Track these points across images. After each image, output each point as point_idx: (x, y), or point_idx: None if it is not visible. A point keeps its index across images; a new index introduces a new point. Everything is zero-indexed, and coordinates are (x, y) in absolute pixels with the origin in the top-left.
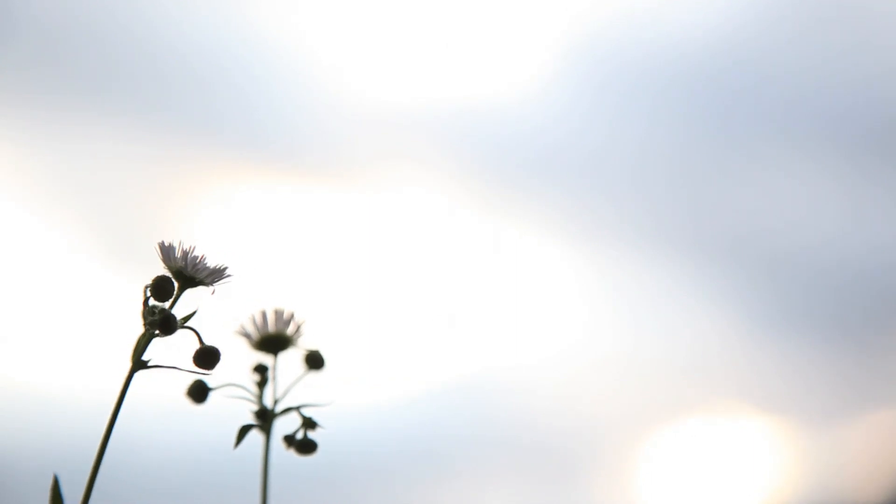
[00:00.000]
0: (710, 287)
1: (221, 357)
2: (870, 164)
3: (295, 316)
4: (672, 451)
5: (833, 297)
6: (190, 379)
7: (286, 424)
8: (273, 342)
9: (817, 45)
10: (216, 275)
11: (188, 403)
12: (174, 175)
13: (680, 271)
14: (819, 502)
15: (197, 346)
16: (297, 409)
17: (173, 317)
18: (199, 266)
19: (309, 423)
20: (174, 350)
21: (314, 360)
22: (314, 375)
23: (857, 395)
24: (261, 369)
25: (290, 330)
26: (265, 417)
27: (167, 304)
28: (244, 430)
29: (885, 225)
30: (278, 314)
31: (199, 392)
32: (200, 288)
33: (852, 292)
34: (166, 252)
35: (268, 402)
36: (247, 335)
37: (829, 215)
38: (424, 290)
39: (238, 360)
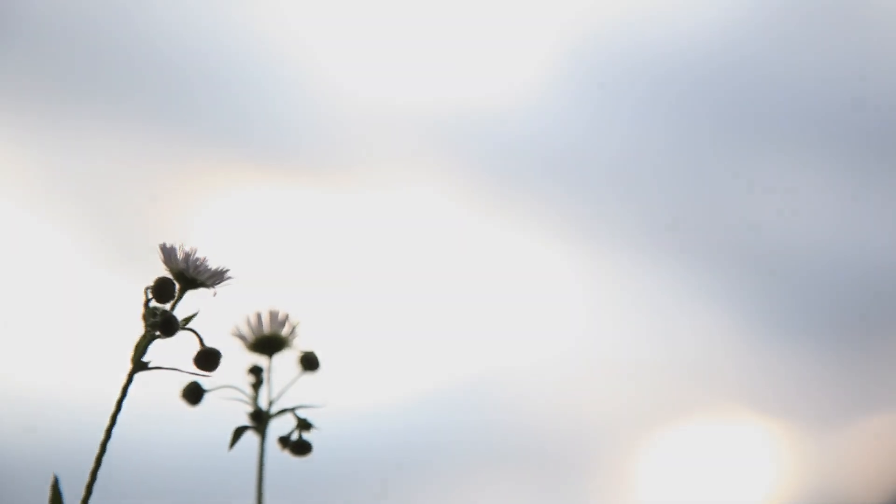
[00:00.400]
0: (709, 290)
1: (222, 359)
2: (871, 166)
3: (290, 317)
4: (672, 455)
5: (833, 300)
6: (187, 380)
7: (281, 426)
8: (268, 343)
9: (816, 45)
10: (217, 277)
11: (183, 405)
12: (175, 175)
13: (680, 273)
14: None
15: (198, 347)
16: (292, 410)
17: (174, 318)
18: (201, 268)
19: (304, 425)
20: (175, 351)
21: (309, 362)
22: (309, 377)
23: (857, 398)
24: (256, 371)
25: (285, 331)
26: (260, 419)
27: (168, 306)
28: (239, 432)
29: (887, 228)
30: (273, 315)
31: (194, 393)
32: (202, 290)
33: (853, 295)
34: (168, 254)
35: (263, 404)
36: (242, 336)
37: (831, 218)
38: (422, 291)
39: (233, 361)
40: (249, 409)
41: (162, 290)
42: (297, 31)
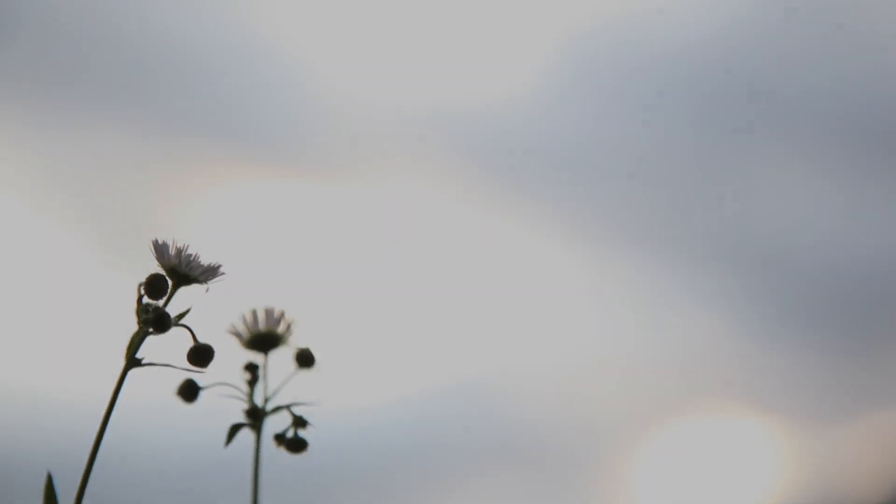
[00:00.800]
0: (708, 287)
1: (215, 355)
2: (869, 162)
3: (285, 314)
4: (670, 452)
5: (831, 296)
6: (182, 377)
7: (277, 423)
8: (264, 340)
9: (817, 44)
10: (210, 273)
11: (179, 402)
12: (169, 173)
13: (678, 271)
14: (818, 502)
15: (191, 343)
16: (288, 407)
17: (167, 315)
18: (193, 264)
19: (299, 422)
20: (168, 348)
21: (305, 359)
22: (305, 374)
23: (855, 395)
24: (251, 368)
25: (280, 328)
26: (256, 416)
27: (161, 302)
28: (235, 429)
29: (884, 224)
30: (269, 312)
31: (189, 391)
32: (194, 286)
33: (851, 292)
34: (160, 250)
35: (258, 401)
36: (237, 334)
37: (828, 214)
38: (419, 289)
39: (229, 358)
40: (245, 406)
41: (155, 286)
42: (294, 29)
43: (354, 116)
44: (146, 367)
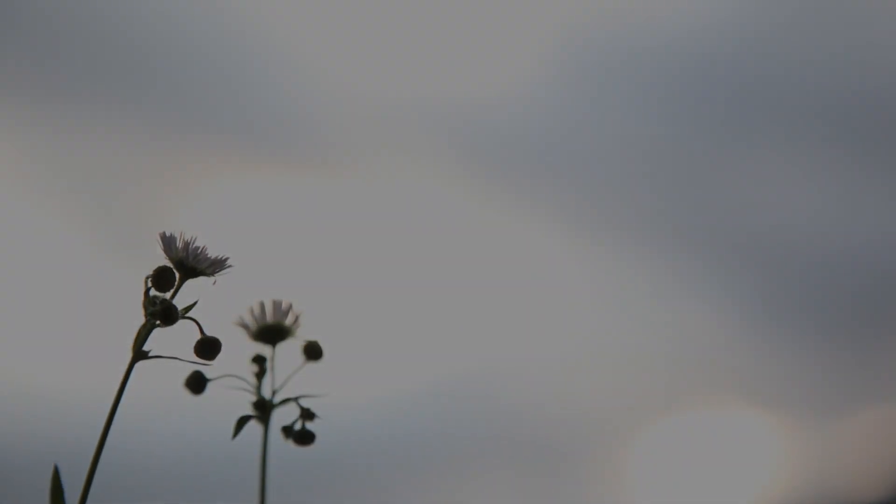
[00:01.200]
0: (707, 282)
1: (222, 347)
2: (868, 157)
3: (293, 306)
4: (668, 446)
5: (830, 292)
6: (190, 369)
7: (284, 415)
8: (271, 333)
9: (816, 39)
10: (217, 265)
11: (186, 394)
12: (175, 166)
13: (677, 266)
14: (816, 498)
15: (198, 336)
16: (296, 399)
17: (174, 307)
18: (201, 257)
19: (307, 414)
20: (175, 340)
21: (312, 351)
22: (312, 366)
23: (854, 390)
24: (259, 360)
25: (288, 320)
26: (263, 408)
27: (168, 295)
28: (242, 421)
29: (883, 220)
30: (276, 305)
31: (197, 383)
32: (201, 278)
33: (849, 287)
34: (167, 243)
35: (266, 393)
36: (245, 326)
37: (826, 210)
38: (422, 283)
39: (236, 350)
40: (253, 398)
41: (162, 278)
42: (296, 24)
43: (359, 112)
44: (153, 360)
